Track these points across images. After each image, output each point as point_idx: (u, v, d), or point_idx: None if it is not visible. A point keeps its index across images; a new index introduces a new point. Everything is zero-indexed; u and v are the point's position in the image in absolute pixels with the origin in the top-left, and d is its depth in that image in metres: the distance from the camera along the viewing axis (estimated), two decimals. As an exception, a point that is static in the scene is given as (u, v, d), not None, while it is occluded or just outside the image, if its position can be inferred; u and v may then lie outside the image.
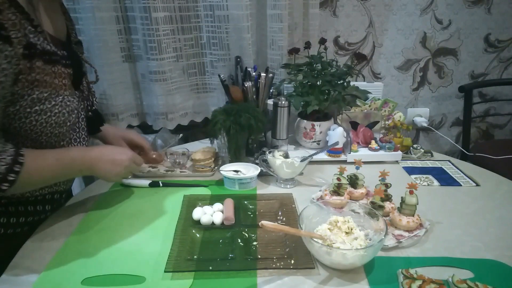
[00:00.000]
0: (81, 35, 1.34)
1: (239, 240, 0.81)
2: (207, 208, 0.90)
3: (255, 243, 0.80)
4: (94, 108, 0.97)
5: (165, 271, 0.72)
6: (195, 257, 0.76)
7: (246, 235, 0.83)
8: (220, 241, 0.81)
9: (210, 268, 0.72)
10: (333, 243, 0.73)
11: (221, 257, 0.76)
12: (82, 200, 0.99)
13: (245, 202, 0.96)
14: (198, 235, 0.83)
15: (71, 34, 0.92)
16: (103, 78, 1.35)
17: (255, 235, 0.83)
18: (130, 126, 1.52)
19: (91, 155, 0.84)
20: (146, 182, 1.06)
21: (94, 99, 1.00)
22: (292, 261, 0.74)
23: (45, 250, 0.78)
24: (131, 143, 1.08)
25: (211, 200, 0.96)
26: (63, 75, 0.80)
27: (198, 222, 0.87)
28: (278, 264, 0.73)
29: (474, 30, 1.79)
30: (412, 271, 0.68)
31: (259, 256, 0.76)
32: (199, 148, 1.18)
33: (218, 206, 0.91)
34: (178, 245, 0.79)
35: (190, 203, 0.95)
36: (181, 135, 1.36)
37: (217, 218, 0.86)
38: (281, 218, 0.90)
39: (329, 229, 0.76)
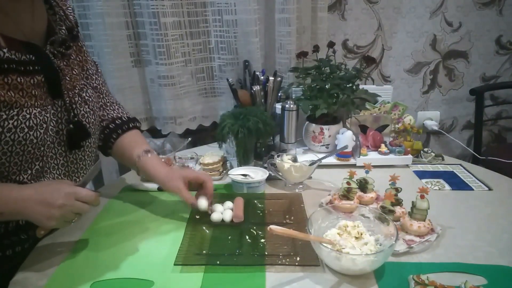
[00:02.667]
0: (91, 41, 1.36)
1: (247, 237, 0.83)
2: (217, 205, 0.92)
3: (262, 240, 0.81)
4: (76, 119, 0.81)
5: (174, 264, 0.74)
6: (204, 252, 0.78)
7: (254, 232, 0.84)
8: (229, 237, 0.83)
9: (218, 262, 0.74)
10: (343, 248, 0.72)
11: (229, 252, 0.78)
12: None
13: (255, 201, 0.97)
14: (207, 232, 0.86)
15: (56, 31, 0.79)
16: (113, 83, 1.36)
17: (262, 232, 0.84)
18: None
19: (19, 195, 0.68)
20: (154, 186, 1.06)
21: (86, 107, 0.84)
22: (298, 258, 0.75)
23: (55, 254, 0.78)
24: (195, 181, 0.90)
25: (222, 198, 0.97)
26: (19, 86, 0.69)
27: (208, 219, 0.89)
28: (283, 261, 0.74)
29: (485, 32, 1.76)
30: (423, 277, 0.67)
31: (266, 253, 0.77)
32: (208, 152, 1.18)
33: (228, 204, 0.93)
34: (188, 241, 0.82)
35: None
36: (189, 139, 1.36)
37: (227, 216, 0.88)
38: (289, 217, 0.90)
39: (338, 234, 0.75)
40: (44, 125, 0.74)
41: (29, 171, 0.76)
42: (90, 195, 0.71)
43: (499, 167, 1.42)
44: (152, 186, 1.06)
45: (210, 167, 1.12)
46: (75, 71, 0.83)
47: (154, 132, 1.56)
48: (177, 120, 1.47)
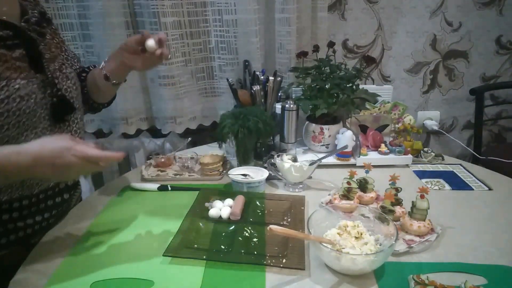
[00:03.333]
0: (91, 41, 1.36)
1: (240, 235, 0.83)
2: (217, 202, 0.92)
3: (255, 239, 0.81)
4: (60, 93, 0.83)
5: (163, 255, 0.76)
6: (195, 246, 0.79)
7: (248, 231, 0.84)
8: (223, 234, 0.84)
9: (204, 257, 0.76)
10: (343, 248, 0.72)
11: (217, 248, 0.79)
12: (91, 204, 0.99)
13: (257, 201, 0.97)
14: (203, 227, 0.87)
15: (29, 14, 0.82)
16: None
17: (256, 232, 0.84)
18: (139, 130, 1.53)
19: (26, 159, 0.65)
20: (154, 186, 1.06)
21: (68, 82, 0.87)
22: (284, 261, 0.74)
23: (55, 254, 0.79)
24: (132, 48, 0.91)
25: (224, 195, 0.98)
26: (3, 58, 0.72)
27: (207, 214, 0.90)
28: (269, 262, 0.74)
29: (485, 32, 1.76)
30: (423, 276, 0.67)
31: (255, 252, 0.77)
32: (208, 152, 1.18)
33: (228, 201, 0.93)
34: (182, 234, 0.83)
35: (203, 197, 0.98)
36: (189, 139, 1.36)
37: (225, 213, 0.89)
38: (287, 219, 0.90)
39: (338, 233, 0.75)
40: (33, 95, 0.77)
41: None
42: (99, 156, 0.67)
43: (499, 167, 1.42)
44: (152, 186, 1.06)
45: (210, 167, 1.12)
46: (53, 50, 0.86)
47: (154, 132, 1.56)
48: (177, 119, 1.47)
